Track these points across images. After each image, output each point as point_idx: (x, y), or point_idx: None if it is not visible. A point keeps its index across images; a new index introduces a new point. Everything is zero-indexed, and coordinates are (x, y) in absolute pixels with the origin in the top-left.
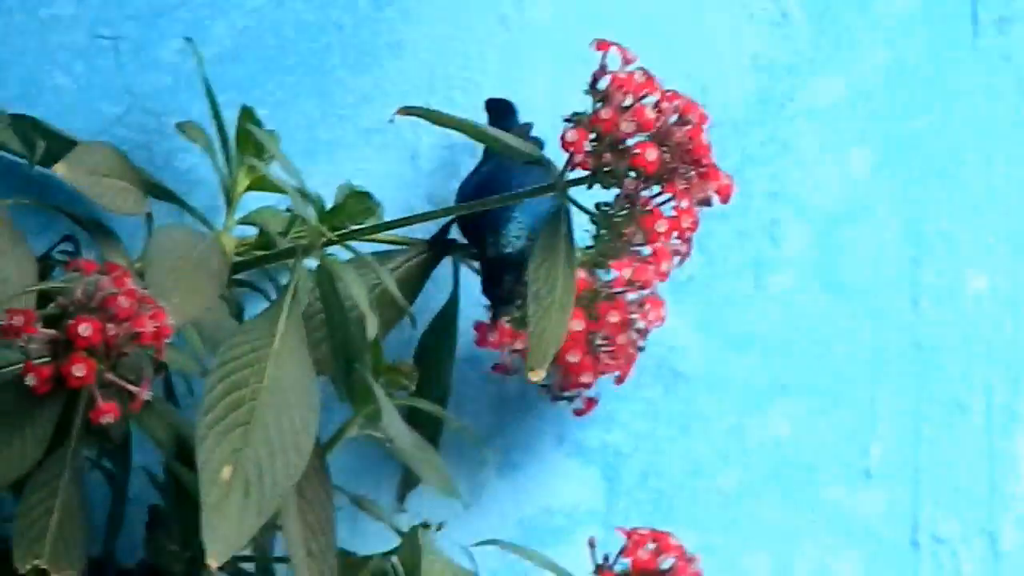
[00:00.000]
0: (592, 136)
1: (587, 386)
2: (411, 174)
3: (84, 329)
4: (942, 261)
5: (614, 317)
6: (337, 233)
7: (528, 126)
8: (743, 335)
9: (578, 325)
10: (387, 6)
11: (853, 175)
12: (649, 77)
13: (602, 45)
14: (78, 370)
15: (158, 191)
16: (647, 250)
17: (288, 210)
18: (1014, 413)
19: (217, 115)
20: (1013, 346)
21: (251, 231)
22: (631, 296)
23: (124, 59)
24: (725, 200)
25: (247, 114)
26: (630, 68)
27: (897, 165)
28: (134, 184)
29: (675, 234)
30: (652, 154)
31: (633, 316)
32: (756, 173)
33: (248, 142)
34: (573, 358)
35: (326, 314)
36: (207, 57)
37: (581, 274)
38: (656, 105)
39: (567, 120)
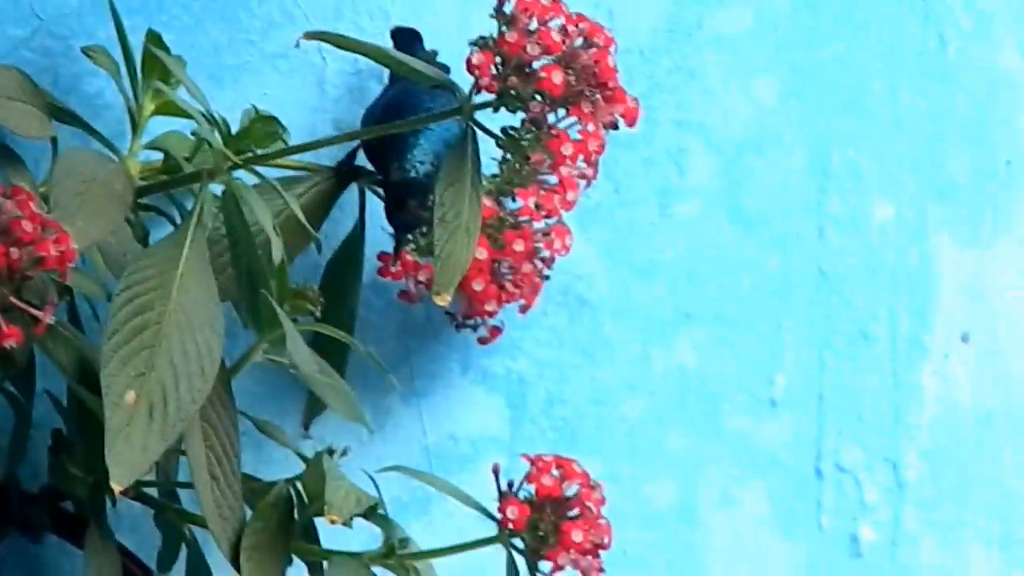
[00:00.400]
0: (498, 60)
1: (491, 314)
2: (317, 99)
3: None
4: (848, 191)
5: (519, 246)
6: (243, 157)
7: (433, 53)
8: (649, 263)
9: (483, 253)
10: None
11: (760, 104)
12: (555, 0)
13: None
14: None
15: (64, 115)
16: (554, 179)
17: (194, 135)
18: (919, 343)
19: (123, 39)
20: (919, 276)
21: (157, 156)
22: (537, 225)
23: None
24: (631, 123)
25: (153, 38)
26: None
27: (804, 95)
28: (39, 108)
29: (581, 157)
30: (558, 77)
31: (538, 245)
32: (663, 101)
33: (154, 67)
34: (478, 286)
35: (231, 239)
36: None
37: (487, 202)
38: (562, 28)
39: (473, 44)
